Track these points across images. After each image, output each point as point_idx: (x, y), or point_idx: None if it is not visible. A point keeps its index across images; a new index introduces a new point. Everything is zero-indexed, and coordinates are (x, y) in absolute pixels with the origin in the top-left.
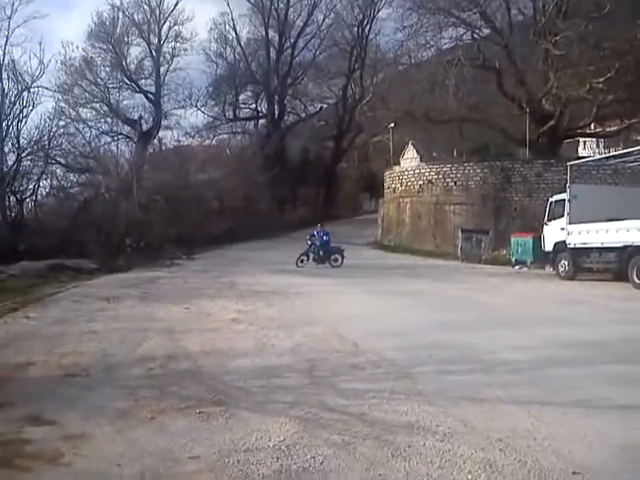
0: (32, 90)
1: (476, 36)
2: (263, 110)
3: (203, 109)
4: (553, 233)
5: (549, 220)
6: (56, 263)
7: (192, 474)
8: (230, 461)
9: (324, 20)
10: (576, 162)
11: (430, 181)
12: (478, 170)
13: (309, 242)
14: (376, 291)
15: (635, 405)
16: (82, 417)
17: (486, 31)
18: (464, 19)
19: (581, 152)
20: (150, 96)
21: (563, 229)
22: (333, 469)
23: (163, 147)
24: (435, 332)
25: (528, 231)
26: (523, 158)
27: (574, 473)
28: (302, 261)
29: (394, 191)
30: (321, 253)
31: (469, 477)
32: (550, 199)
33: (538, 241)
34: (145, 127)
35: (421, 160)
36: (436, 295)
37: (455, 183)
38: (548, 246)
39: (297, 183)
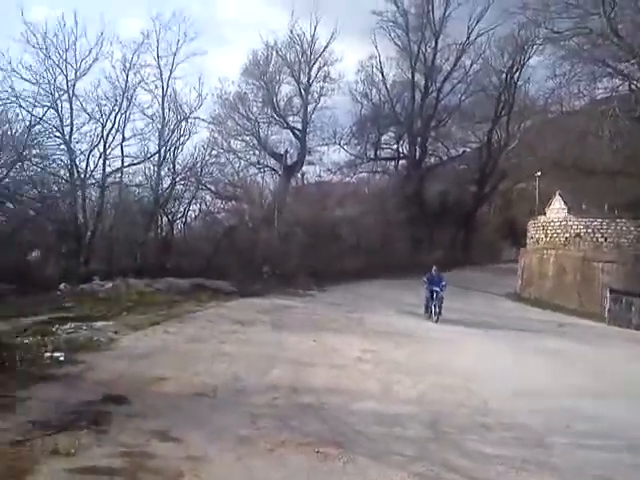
0: (189, 120)
1: (633, 87)
2: (404, 151)
3: (346, 147)
4: None
5: None
6: (198, 282)
7: None
8: None
9: (472, 66)
10: None
11: (578, 234)
12: (632, 227)
13: (429, 289)
14: (513, 346)
15: None
16: (206, 438)
17: None
18: (621, 70)
19: None
20: (297, 132)
21: None
22: None
23: (305, 181)
24: (575, 399)
25: None
26: None
27: None
28: (433, 314)
29: (537, 242)
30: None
31: None
32: None
33: None
34: (290, 161)
35: (569, 212)
36: (579, 358)
37: (605, 239)
38: None
39: (435, 225)
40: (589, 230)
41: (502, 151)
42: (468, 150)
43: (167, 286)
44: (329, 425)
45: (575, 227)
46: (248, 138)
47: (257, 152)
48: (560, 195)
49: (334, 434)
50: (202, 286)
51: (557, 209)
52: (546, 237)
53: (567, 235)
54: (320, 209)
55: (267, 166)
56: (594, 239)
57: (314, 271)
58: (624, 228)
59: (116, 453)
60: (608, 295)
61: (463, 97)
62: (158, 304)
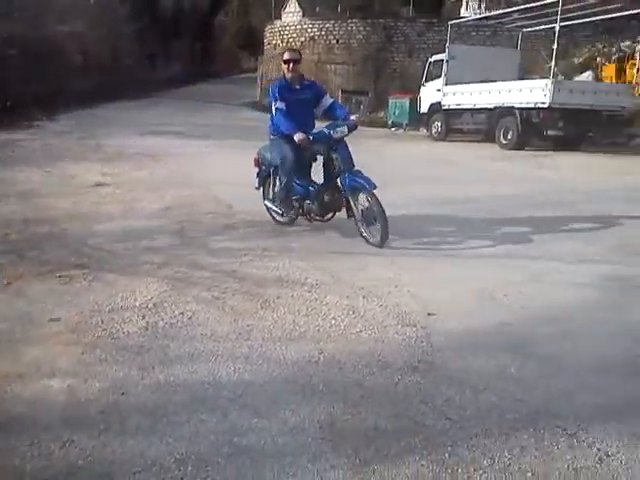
0: None
1: None
2: None
3: None
4: (429, 94)
5: (426, 81)
6: None
7: (52, 336)
8: (93, 321)
9: None
10: (457, 21)
11: (312, 38)
12: (361, 28)
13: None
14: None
15: (493, 254)
16: None
17: None
18: None
19: (463, 13)
20: None
21: (439, 90)
22: (202, 323)
23: None
24: None
25: (406, 92)
26: (406, 16)
27: (429, 314)
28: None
29: (275, 48)
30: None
31: (333, 322)
32: (429, 59)
33: (414, 103)
34: None
35: (304, 15)
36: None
37: (337, 41)
38: (424, 108)
39: (169, 36)
40: (322, 32)
41: None
42: None
43: None
44: (71, 250)
45: (310, 30)
46: None
47: None
48: None
49: (77, 257)
50: None
51: (292, 12)
52: (283, 42)
53: (303, 39)
54: (38, 26)
55: None
56: (327, 41)
57: (40, 98)
58: (354, 29)
59: None
60: (340, 96)
61: None
62: None
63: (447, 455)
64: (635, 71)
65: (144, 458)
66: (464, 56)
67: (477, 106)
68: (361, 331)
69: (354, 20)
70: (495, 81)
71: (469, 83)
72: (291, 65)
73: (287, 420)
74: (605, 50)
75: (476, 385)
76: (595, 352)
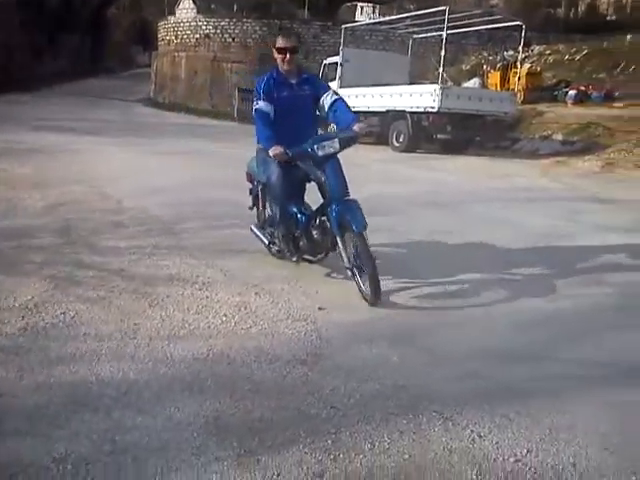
0: None
1: None
2: None
3: None
4: None
5: None
6: None
7: None
8: None
9: None
10: (350, 25)
11: (207, 35)
12: (257, 27)
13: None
14: (148, 150)
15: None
16: None
17: None
18: None
19: (358, 17)
20: None
21: None
22: (85, 322)
23: None
24: (205, 190)
25: None
26: (302, 18)
27: (319, 309)
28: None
29: (169, 44)
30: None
31: (223, 319)
32: (324, 61)
33: None
34: None
35: (198, 12)
36: (209, 155)
37: (233, 39)
38: None
39: (58, 29)
40: (218, 30)
41: None
42: None
43: None
44: None
45: (204, 27)
46: None
47: None
48: None
49: None
50: None
51: (187, 9)
52: (177, 39)
53: (197, 36)
54: None
55: None
56: (223, 39)
57: None
58: (250, 28)
59: None
60: (237, 94)
61: None
62: None
63: (330, 442)
64: (517, 79)
65: (21, 459)
66: (358, 59)
67: (371, 109)
68: (251, 327)
69: (249, 20)
70: (387, 85)
71: (363, 86)
72: (288, 55)
73: (172, 416)
74: (491, 58)
75: (361, 375)
76: (474, 340)
